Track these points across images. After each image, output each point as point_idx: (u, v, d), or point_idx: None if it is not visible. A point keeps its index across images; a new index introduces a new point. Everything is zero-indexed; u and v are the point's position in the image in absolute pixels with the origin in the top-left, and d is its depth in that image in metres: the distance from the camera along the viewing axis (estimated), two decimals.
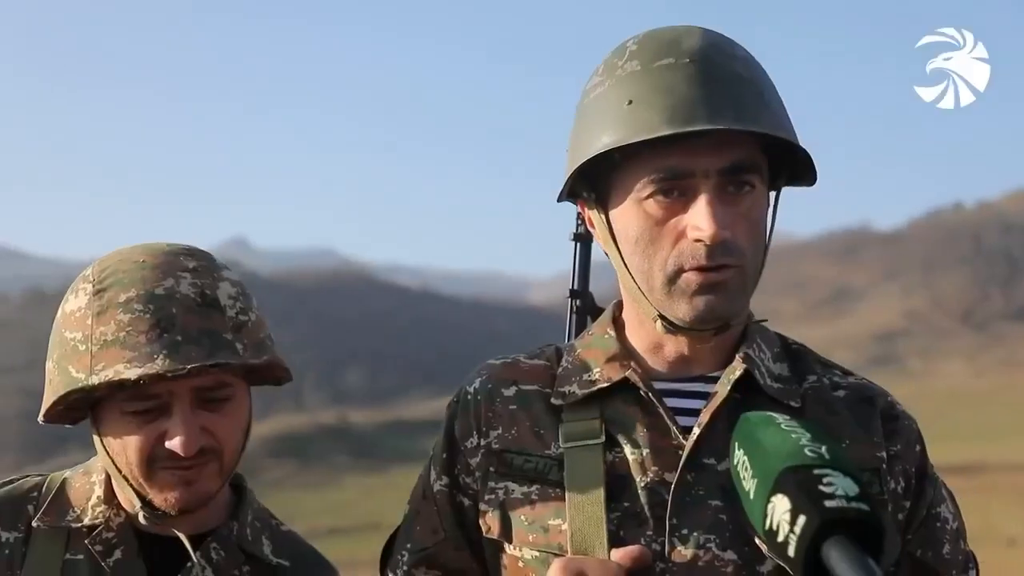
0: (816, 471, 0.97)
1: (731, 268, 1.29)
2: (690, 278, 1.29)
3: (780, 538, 0.96)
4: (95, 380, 1.39)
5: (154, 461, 1.42)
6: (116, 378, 1.37)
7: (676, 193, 1.29)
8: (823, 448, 1.00)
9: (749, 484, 1.03)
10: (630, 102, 1.29)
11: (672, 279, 1.30)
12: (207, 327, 1.41)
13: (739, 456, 1.06)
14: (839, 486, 0.95)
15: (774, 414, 1.09)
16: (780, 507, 0.96)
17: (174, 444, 1.40)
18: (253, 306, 1.49)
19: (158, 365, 1.36)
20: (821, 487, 0.95)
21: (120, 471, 1.46)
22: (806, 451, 0.99)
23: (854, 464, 1.00)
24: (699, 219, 1.27)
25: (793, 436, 1.02)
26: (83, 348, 1.41)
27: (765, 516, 0.98)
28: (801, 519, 0.94)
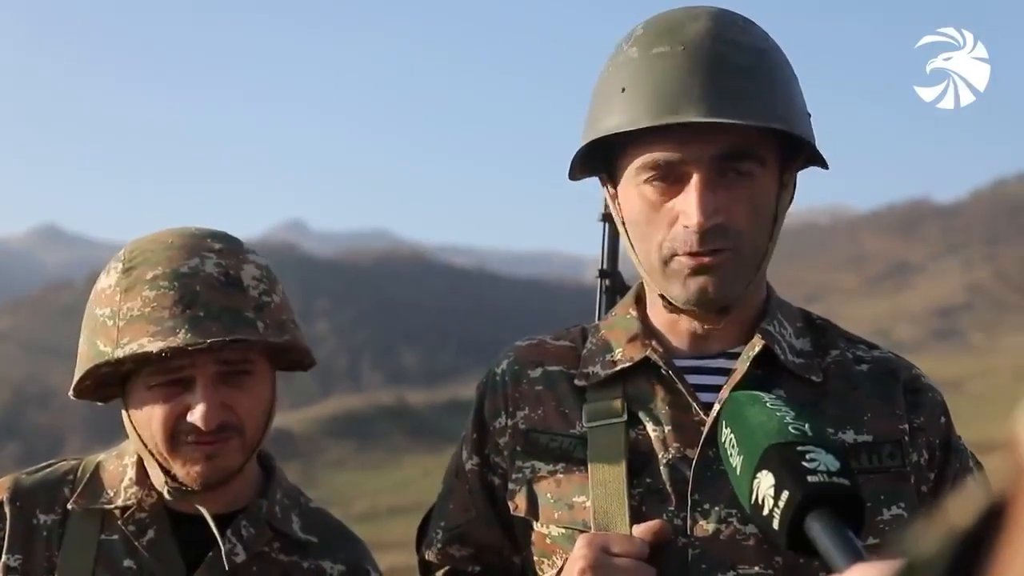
0: (799, 448, 1.00)
1: (725, 252, 1.30)
2: (682, 261, 1.31)
3: (765, 512, 0.99)
4: (120, 353, 1.43)
5: (177, 435, 1.46)
6: (140, 351, 1.41)
7: (670, 179, 1.30)
8: (806, 426, 1.03)
9: (736, 460, 1.06)
10: (623, 90, 1.31)
11: (666, 261, 1.32)
12: (229, 304, 1.44)
13: (727, 434, 1.10)
14: (821, 462, 0.98)
15: (760, 393, 1.12)
16: (765, 482, 1.00)
17: (195, 418, 1.43)
18: (277, 289, 1.52)
19: (179, 338, 1.40)
20: (804, 463, 0.98)
21: (146, 446, 1.49)
22: (790, 429, 1.02)
23: (838, 443, 1.03)
24: (687, 206, 1.29)
25: (778, 415, 1.05)
26: (111, 323, 1.45)
27: (751, 491, 1.02)
28: (785, 494, 0.97)
